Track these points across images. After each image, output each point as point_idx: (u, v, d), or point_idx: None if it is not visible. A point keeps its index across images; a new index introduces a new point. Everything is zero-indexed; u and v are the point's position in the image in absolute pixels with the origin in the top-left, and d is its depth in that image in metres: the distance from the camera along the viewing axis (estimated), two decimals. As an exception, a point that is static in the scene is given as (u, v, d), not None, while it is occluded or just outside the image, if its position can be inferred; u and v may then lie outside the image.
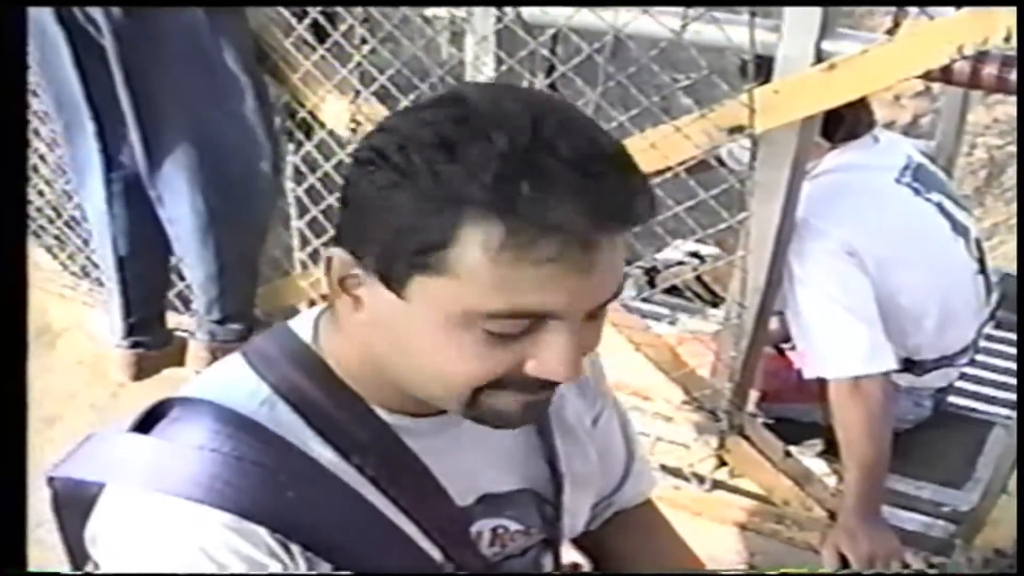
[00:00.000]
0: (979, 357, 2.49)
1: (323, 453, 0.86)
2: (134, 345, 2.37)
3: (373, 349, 0.86)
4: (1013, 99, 5.44)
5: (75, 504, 0.90)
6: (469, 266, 0.74)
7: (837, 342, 1.91)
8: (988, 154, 5.44)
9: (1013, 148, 5.43)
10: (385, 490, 0.88)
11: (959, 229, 2.13)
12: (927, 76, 1.63)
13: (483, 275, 0.74)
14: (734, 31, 1.66)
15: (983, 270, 2.19)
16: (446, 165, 0.73)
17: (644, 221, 0.79)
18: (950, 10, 1.66)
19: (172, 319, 2.66)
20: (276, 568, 0.82)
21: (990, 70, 1.57)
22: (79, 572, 0.92)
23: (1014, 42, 1.49)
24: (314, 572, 0.84)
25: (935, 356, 2.14)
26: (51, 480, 0.92)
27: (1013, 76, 1.57)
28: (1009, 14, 1.48)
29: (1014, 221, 4.72)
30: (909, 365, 2.12)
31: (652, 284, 2.61)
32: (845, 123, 2.06)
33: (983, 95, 5.58)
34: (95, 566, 0.91)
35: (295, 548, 0.83)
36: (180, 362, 2.50)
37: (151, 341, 2.41)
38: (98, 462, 0.88)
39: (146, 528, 0.82)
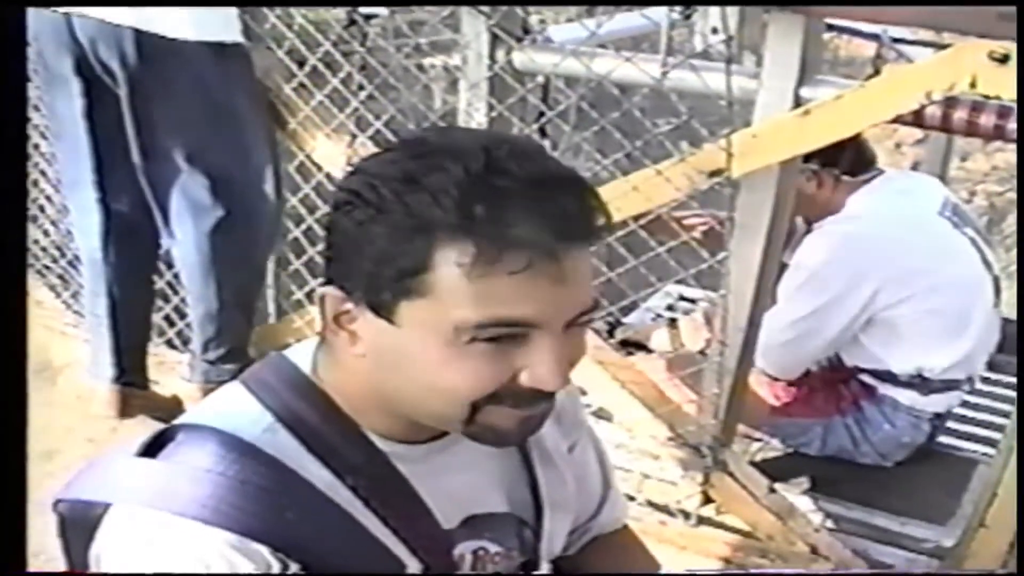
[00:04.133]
0: (968, 398, 2.55)
1: (321, 476, 0.91)
2: (124, 384, 2.42)
3: (372, 379, 0.90)
4: (1012, 147, 5.50)
5: (81, 526, 0.93)
6: (447, 285, 0.80)
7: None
8: (988, 201, 5.47)
9: (1012, 195, 5.46)
10: (376, 510, 0.93)
11: (987, 263, 2.32)
12: (900, 120, 1.69)
13: (461, 291, 0.80)
14: (712, 78, 1.72)
15: (997, 305, 2.36)
16: (411, 195, 0.80)
17: (602, 237, 0.87)
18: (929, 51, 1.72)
19: (171, 356, 2.72)
20: None
21: (960, 115, 1.63)
22: (79, 572, 0.95)
23: (979, 88, 1.55)
24: None
25: (945, 377, 2.27)
26: (56, 503, 0.94)
27: (982, 120, 1.63)
28: (975, 61, 1.54)
29: (1014, 268, 4.76)
30: (918, 382, 2.26)
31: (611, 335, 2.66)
32: (865, 160, 2.32)
33: (983, 144, 5.63)
34: None
35: (293, 566, 0.87)
36: (165, 407, 2.53)
37: (138, 381, 2.46)
38: (106, 484, 0.91)
39: (151, 545, 0.85)
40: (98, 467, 0.94)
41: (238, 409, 0.94)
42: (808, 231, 2.38)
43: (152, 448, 0.92)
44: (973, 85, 1.55)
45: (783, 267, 2.33)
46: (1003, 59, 1.51)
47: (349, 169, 0.89)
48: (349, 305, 0.87)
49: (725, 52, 1.72)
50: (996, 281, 2.35)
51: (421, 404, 0.89)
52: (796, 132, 1.70)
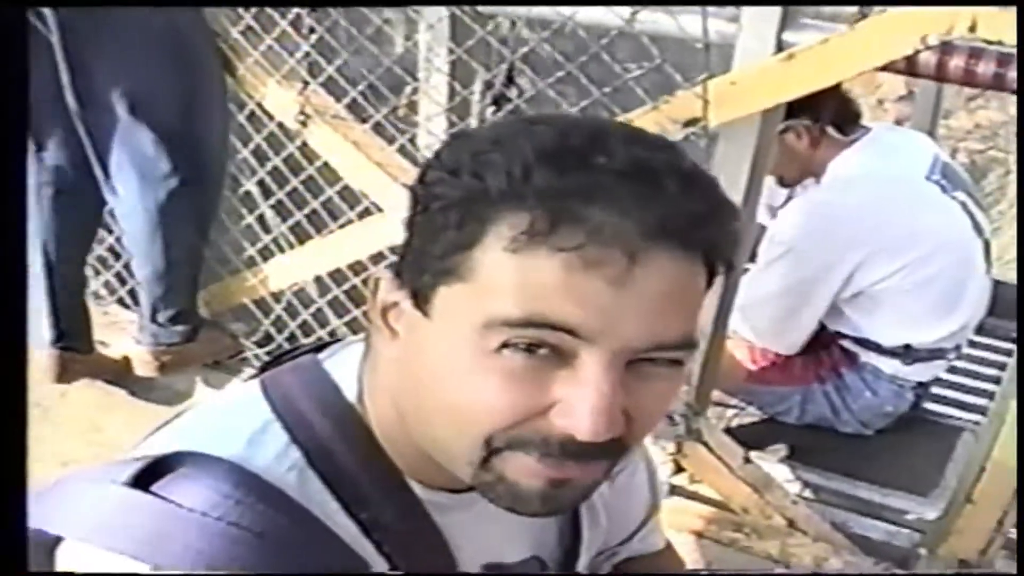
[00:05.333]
0: (956, 363, 2.47)
1: (346, 527, 0.77)
2: (64, 349, 2.30)
3: (396, 399, 0.77)
4: (994, 104, 5.44)
5: (40, 544, 0.75)
6: (489, 265, 0.66)
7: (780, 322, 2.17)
8: (970, 159, 5.43)
9: (994, 153, 5.42)
10: (396, 566, 0.79)
11: (978, 228, 2.21)
12: (891, 68, 1.56)
13: (502, 272, 0.65)
14: (688, 20, 1.59)
15: (988, 271, 2.27)
16: (487, 156, 0.67)
17: (709, 247, 0.69)
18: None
19: (122, 316, 2.61)
20: None
21: (957, 62, 1.50)
22: (80, 572, 0.78)
23: (980, 32, 1.43)
24: None
25: (931, 347, 2.20)
26: None
27: (980, 68, 1.51)
28: (975, 3, 1.42)
29: (996, 226, 4.73)
30: (902, 351, 2.18)
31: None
32: (852, 115, 2.22)
33: (965, 101, 5.56)
34: None
35: None
36: (112, 370, 2.44)
37: (80, 345, 2.35)
38: (84, 516, 0.73)
39: None
40: (74, 492, 0.76)
41: (260, 439, 0.77)
42: (789, 198, 2.27)
43: (145, 476, 0.74)
44: (972, 29, 1.43)
45: (762, 229, 2.22)
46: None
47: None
48: (398, 295, 0.73)
49: (701, -9, 1.59)
50: (987, 245, 2.25)
51: (434, 430, 0.73)
52: (779, 79, 1.57)
